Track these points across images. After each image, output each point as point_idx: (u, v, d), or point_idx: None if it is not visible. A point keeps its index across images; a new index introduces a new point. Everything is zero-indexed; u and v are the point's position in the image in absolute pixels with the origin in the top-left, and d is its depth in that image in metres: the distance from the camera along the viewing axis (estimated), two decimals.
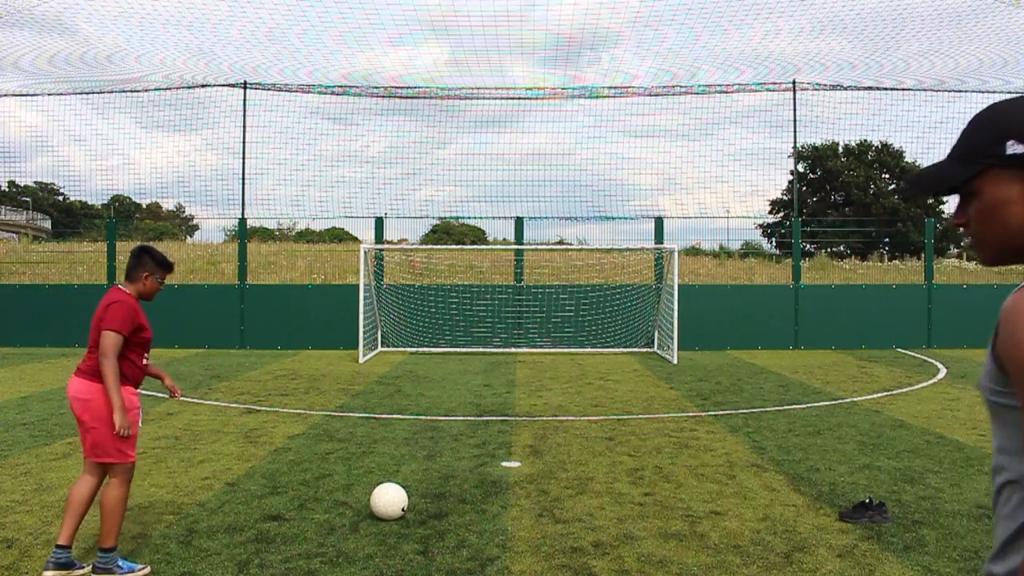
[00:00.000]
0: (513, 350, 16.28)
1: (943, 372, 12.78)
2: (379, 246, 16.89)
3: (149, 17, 17.65)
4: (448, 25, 16.78)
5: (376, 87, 18.32)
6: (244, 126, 17.94)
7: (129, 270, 4.35)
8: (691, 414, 8.93)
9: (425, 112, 18.92)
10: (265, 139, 18.33)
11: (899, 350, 16.41)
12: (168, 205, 46.21)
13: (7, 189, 46.60)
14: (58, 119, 21.63)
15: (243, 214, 18.05)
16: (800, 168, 41.67)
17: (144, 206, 46.26)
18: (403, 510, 5.03)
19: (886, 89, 18.55)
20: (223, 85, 18.06)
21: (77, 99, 18.91)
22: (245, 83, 17.94)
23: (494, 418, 8.65)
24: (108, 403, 4.06)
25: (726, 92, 18.32)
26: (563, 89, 18.38)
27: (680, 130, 18.74)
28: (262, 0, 16.27)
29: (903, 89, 18.57)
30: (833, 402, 9.77)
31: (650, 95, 18.30)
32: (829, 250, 29.94)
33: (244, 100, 17.93)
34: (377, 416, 8.73)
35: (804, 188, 43.95)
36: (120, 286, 4.33)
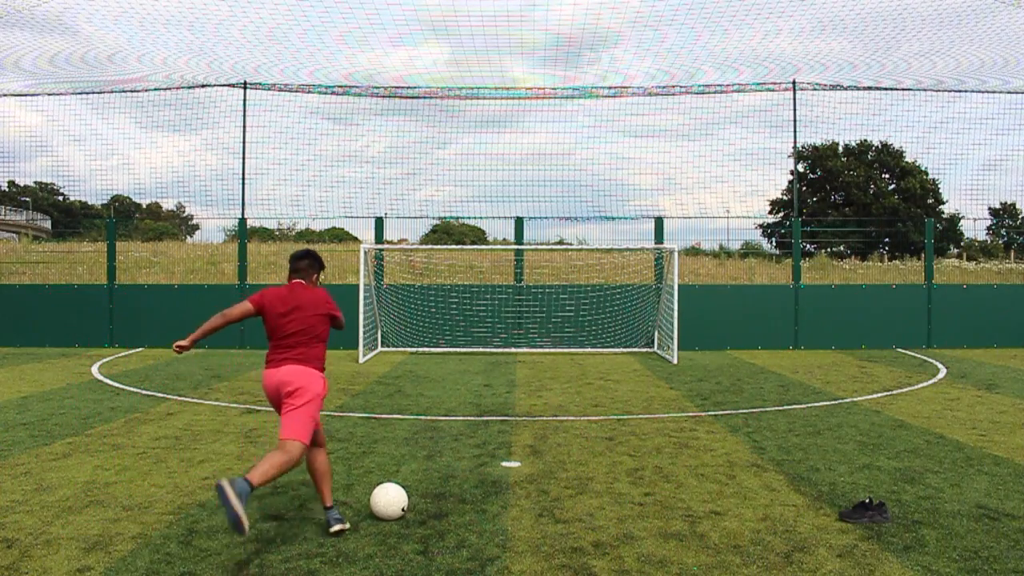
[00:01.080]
0: (513, 350, 16.28)
1: (943, 372, 12.78)
2: (379, 246, 16.89)
3: (150, 17, 17.64)
4: (448, 25, 16.75)
5: (376, 87, 18.32)
6: (244, 126, 17.95)
7: (303, 270, 4.95)
8: (691, 414, 8.93)
9: (425, 112, 18.87)
10: (265, 139, 18.33)
11: (899, 350, 16.41)
12: (168, 205, 46.24)
13: (7, 189, 46.62)
14: (58, 119, 21.64)
15: (243, 214, 18.06)
16: (800, 168, 41.71)
17: (144, 206, 46.29)
18: (403, 510, 5.03)
19: (886, 89, 18.55)
20: (223, 85, 18.06)
21: (77, 99, 18.91)
22: (245, 83, 17.94)
23: (494, 418, 8.65)
24: (323, 384, 4.74)
25: (725, 92, 18.32)
26: (562, 89, 18.37)
27: (680, 130, 18.71)
28: (263, 0, 16.26)
29: (903, 89, 18.56)
30: (833, 402, 9.77)
31: (649, 95, 18.30)
32: (829, 250, 29.95)
33: (244, 100, 17.95)
34: (377, 416, 8.73)
35: (804, 188, 43.96)
36: (302, 283, 4.91)
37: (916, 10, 17.41)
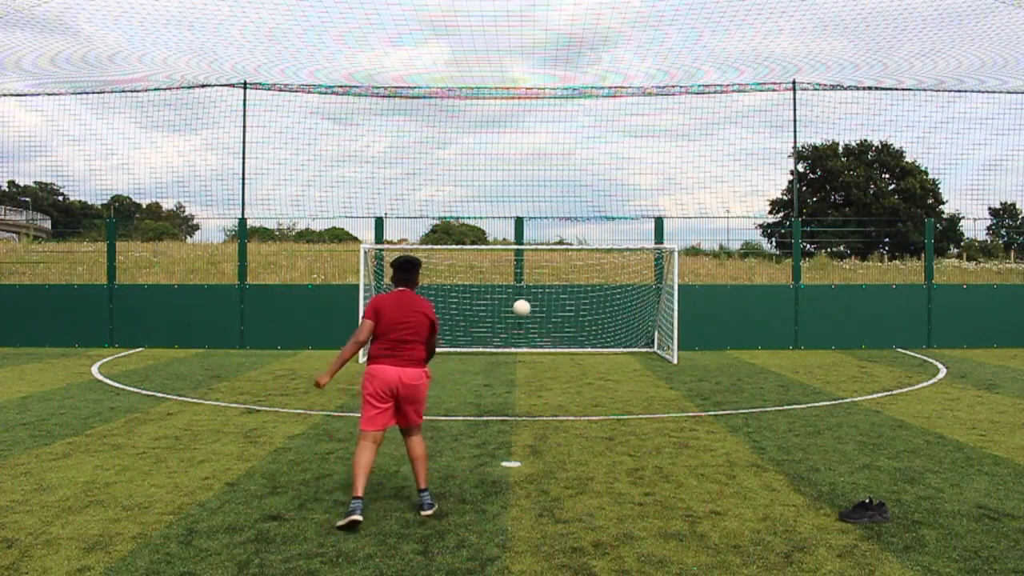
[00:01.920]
0: (513, 350, 16.28)
1: (943, 372, 12.78)
2: (379, 246, 16.89)
3: (150, 17, 17.65)
4: (448, 25, 16.76)
5: (377, 87, 18.32)
6: (244, 126, 17.95)
7: (413, 281, 5.54)
8: (691, 414, 8.93)
9: (425, 112, 18.89)
10: (265, 139, 18.33)
11: (899, 350, 16.41)
12: (168, 205, 46.27)
13: (7, 189, 46.62)
14: (58, 120, 21.62)
15: (243, 214, 18.07)
16: (800, 168, 41.70)
17: (144, 206, 46.30)
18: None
19: (886, 89, 18.55)
20: (223, 85, 18.06)
21: (77, 100, 18.93)
22: (245, 83, 17.94)
23: (494, 418, 8.65)
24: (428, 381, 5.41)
25: (725, 92, 18.32)
26: (562, 89, 18.37)
27: (680, 130, 18.71)
28: (263, 1, 16.27)
29: (903, 89, 18.57)
30: (833, 402, 9.77)
31: (649, 95, 18.29)
32: (829, 250, 29.95)
33: (244, 100, 17.95)
34: None
35: (804, 188, 43.96)
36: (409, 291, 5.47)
37: (917, 10, 17.42)
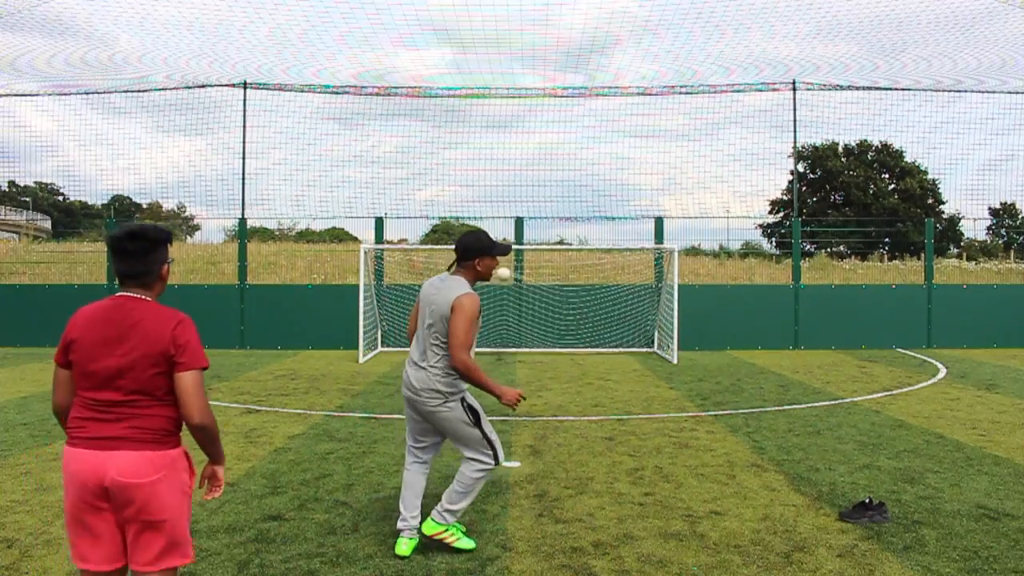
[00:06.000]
0: (513, 350, 16.27)
1: (943, 372, 12.77)
2: (379, 246, 16.89)
3: (149, 17, 17.66)
4: (449, 27, 16.79)
5: (377, 88, 18.32)
6: (244, 126, 17.95)
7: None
8: (691, 414, 8.93)
9: (428, 114, 18.95)
10: (265, 139, 18.35)
11: (899, 350, 16.41)
12: (169, 205, 46.20)
13: (7, 189, 46.61)
14: (59, 119, 21.63)
15: (243, 214, 18.07)
16: (800, 168, 41.72)
17: (144, 206, 46.28)
18: None
19: (886, 89, 18.55)
20: (224, 85, 18.06)
21: (78, 100, 18.91)
22: (245, 83, 17.94)
23: (494, 418, 8.65)
24: None
25: (725, 93, 18.31)
26: (563, 88, 18.37)
27: (681, 130, 18.74)
28: (263, 1, 16.28)
29: (903, 89, 18.57)
30: (833, 402, 9.77)
31: (649, 95, 18.29)
32: (829, 250, 29.94)
33: (244, 100, 17.95)
34: (377, 416, 8.73)
35: (804, 188, 43.98)
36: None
37: (921, 15, 17.42)
